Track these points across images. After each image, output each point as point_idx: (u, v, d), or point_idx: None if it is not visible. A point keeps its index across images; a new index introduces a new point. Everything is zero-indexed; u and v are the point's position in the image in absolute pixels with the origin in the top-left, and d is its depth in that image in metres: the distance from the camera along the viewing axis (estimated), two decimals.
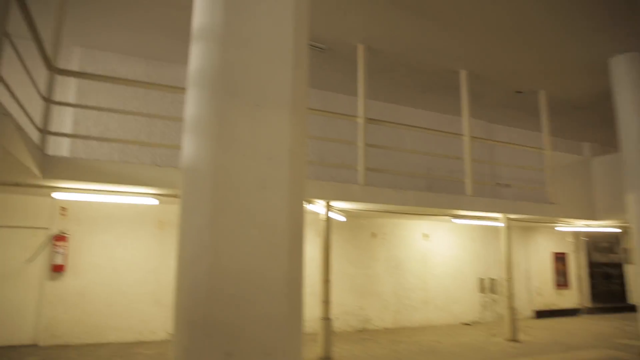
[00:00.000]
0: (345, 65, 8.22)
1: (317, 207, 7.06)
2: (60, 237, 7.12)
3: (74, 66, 7.57)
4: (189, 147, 3.12)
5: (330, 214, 7.12)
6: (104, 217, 7.48)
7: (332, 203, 6.95)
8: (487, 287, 11.00)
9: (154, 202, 6.47)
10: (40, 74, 5.41)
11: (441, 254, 10.58)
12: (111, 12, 6.59)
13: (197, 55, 3.45)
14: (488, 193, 10.77)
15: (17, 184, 5.37)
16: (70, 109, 7.48)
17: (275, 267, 2.90)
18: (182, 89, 6.30)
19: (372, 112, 8.44)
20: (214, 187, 2.87)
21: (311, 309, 6.30)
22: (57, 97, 6.98)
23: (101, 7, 6.46)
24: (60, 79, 7.09)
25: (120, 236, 7.56)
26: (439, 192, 7.69)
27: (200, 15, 3.60)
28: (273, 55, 3.31)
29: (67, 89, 7.49)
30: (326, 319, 6.68)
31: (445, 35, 7.33)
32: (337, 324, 8.62)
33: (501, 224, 8.86)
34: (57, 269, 7.06)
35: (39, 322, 6.89)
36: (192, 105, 3.28)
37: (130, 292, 7.47)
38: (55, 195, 6.07)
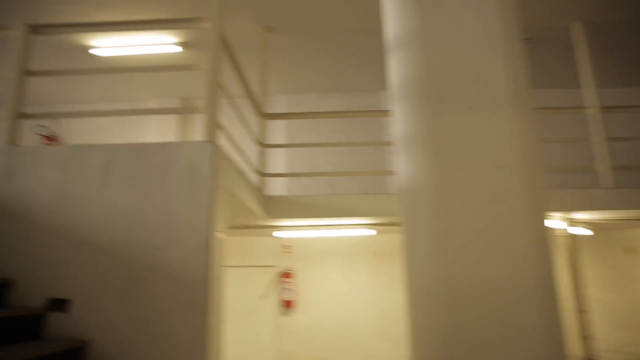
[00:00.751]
0: (554, 53, 7.12)
1: (554, 221, 6.06)
2: (287, 274, 7.66)
3: (281, 111, 8.29)
4: (404, 167, 2.85)
5: (571, 228, 6.03)
6: (324, 252, 7.82)
7: (573, 215, 5.88)
8: None
9: (371, 232, 6.44)
10: (254, 122, 5.96)
11: None
12: (308, 57, 7.00)
13: (397, 67, 3.22)
14: None
15: (245, 227, 5.92)
16: (282, 153, 8.17)
17: (523, 298, 2.37)
18: (382, 112, 6.26)
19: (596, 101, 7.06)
20: (438, 207, 2.52)
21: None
22: (270, 141, 7.68)
23: (300, 56, 6.92)
24: (271, 127, 7.80)
25: (341, 270, 7.77)
26: None
27: (393, 25, 3.38)
28: (481, 50, 2.87)
29: (277, 134, 8.21)
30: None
31: None
32: None
33: None
34: (287, 305, 7.56)
35: (277, 356, 7.43)
36: (400, 121, 3.02)
37: (355, 326, 7.54)
38: (276, 234, 6.53)
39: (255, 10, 5.74)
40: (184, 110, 3.20)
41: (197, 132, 8.30)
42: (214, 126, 2.87)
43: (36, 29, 3.49)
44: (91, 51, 6.59)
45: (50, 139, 6.90)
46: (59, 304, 2.59)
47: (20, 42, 3.42)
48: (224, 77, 3.09)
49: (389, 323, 7.49)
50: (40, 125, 7.31)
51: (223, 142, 3.38)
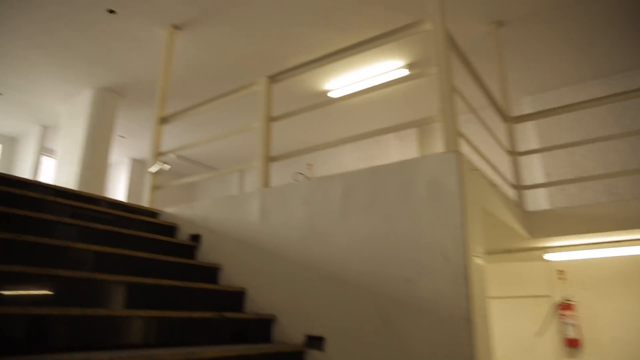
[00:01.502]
0: None
1: None
2: (565, 306, 6.50)
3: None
4: None
5: None
6: (614, 276, 6.36)
7: None
8: None
9: None
10: (499, 130, 5.38)
11: None
12: (552, 44, 6.09)
13: None
14: None
15: (507, 250, 5.28)
16: (537, 161, 7.22)
17: None
18: None
19: None
20: None
21: None
22: (521, 149, 6.88)
23: (542, 46, 6.09)
24: (520, 134, 7.00)
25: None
26: None
27: None
28: None
29: (528, 142, 7.31)
30: None
31: None
32: None
33: None
34: (572, 344, 6.37)
35: None
36: None
37: None
38: (548, 256, 5.64)
39: (480, 6, 5.27)
40: (421, 123, 2.95)
41: (437, 148, 8.04)
42: (454, 134, 2.53)
43: (274, 77, 3.82)
44: (329, 94, 7.11)
45: None
46: (316, 342, 2.56)
47: (263, 93, 3.78)
48: (457, 82, 2.75)
49: None
50: (298, 173, 8.18)
51: (467, 152, 2.99)
